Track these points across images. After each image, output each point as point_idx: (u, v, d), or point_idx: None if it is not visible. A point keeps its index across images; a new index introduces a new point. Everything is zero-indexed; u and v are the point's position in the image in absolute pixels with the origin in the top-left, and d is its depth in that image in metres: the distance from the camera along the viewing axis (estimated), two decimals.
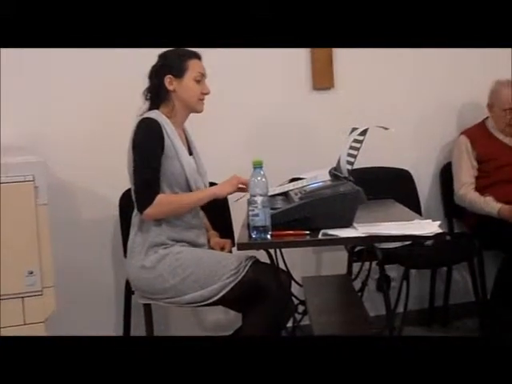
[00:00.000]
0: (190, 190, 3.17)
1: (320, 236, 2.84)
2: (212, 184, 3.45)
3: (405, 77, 4.31)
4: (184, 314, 3.97)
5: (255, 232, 2.77)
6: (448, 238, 4.24)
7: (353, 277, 3.96)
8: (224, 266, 3.06)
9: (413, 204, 4.06)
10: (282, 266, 3.42)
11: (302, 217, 2.89)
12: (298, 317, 3.65)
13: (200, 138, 3.44)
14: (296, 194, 3.08)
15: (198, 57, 3.24)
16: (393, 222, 2.95)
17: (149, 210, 3.06)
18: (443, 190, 4.41)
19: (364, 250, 3.88)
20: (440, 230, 2.85)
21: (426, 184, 4.43)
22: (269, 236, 2.77)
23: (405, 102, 4.30)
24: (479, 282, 4.20)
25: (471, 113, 4.42)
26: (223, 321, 3.83)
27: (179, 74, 3.18)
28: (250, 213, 2.78)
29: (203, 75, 3.23)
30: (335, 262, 4.16)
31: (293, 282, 3.59)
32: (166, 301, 3.15)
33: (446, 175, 4.37)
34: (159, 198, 3.07)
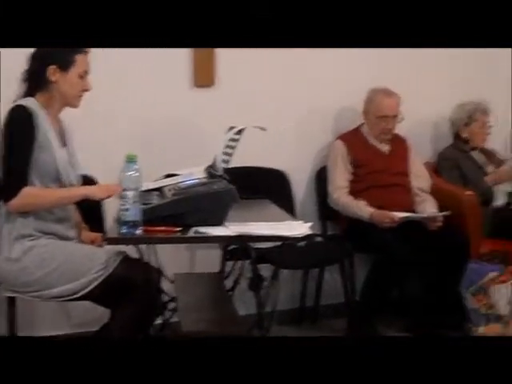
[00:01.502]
0: (61, 182, 3.10)
1: (191, 233, 2.85)
2: (86, 178, 3.40)
3: (284, 78, 4.34)
4: (50, 309, 3.89)
5: (125, 227, 2.76)
6: (320, 239, 4.32)
7: (226, 275, 3.98)
8: (92, 260, 3.01)
9: (287, 205, 4.11)
10: (154, 262, 3.39)
11: (175, 213, 2.90)
12: (168, 314, 3.63)
13: (83, 134, 3.39)
14: (170, 190, 3.09)
15: (85, 52, 3.15)
16: (264, 222, 2.98)
17: (13, 202, 2.97)
18: (318, 192, 4.48)
19: (238, 248, 3.90)
20: (310, 232, 2.90)
21: (301, 186, 4.48)
22: (139, 231, 2.76)
23: (283, 104, 4.34)
24: (349, 283, 4.29)
25: (347, 118, 4.51)
26: (90, 317, 3.75)
27: (65, 66, 3.10)
28: (121, 207, 2.76)
29: (86, 72, 3.16)
30: (209, 260, 4.16)
31: (165, 279, 3.58)
32: (32, 294, 3.07)
33: (321, 178, 4.44)
34: (26, 190, 2.98)
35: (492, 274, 4.11)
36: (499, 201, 4.65)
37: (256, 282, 3.72)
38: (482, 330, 4.05)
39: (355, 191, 4.27)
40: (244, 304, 3.97)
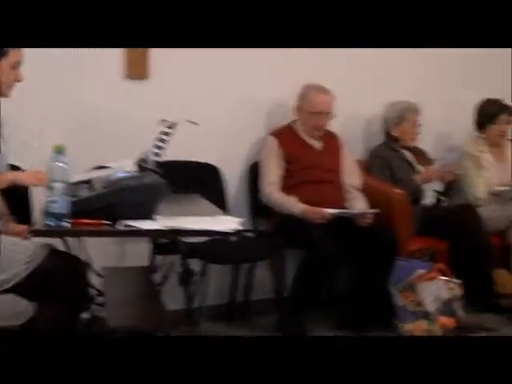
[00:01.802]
0: None
1: (121, 227, 2.82)
2: (14, 168, 3.33)
3: (217, 73, 4.32)
4: None
5: (52, 219, 2.71)
6: (251, 235, 4.31)
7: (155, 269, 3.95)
8: (18, 253, 2.94)
9: (219, 200, 4.10)
10: (82, 255, 3.35)
11: (104, 206, 2.87)
12: (96, 308, 3.58)
13: (13, 123, 3.31)
14: (99, 183, 3.04)
15: None
16: (194, 217, 2.97)
17: None
18: (250, 187, 4.47)
19: (168, 242, 3.87)
20: (240, 227, 2.89)
21: (233, 181, 4.47)
22: (66, 224, 2.71)
23: (216, 98, 4.32)
24: (279, 279, 4.29)
25: (280, 113, 4.52)
26: (15, 310, 3.68)
27: None
28: (48, 199, 2.72)
29: (19, 62, 3.10)
30: (139, 254, 4.12)
31: (93, 273, 3.53)
32: None
33: (254, 173, 4.44)
34: None
35: (420, 271, 4.18)
36: (428, 199, 4.73)
37: (185, 277, 3.71)
38: (410, 327, 4.11)
39: (287, 187, 4.28)
40: (173, 299, 3.95)
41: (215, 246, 3.73)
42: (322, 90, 4.33)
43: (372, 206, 4.29)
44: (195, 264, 3.84)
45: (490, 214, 4.59)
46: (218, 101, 4.33)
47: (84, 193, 2.99)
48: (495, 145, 4.94)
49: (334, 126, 4.47)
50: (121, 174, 3.07)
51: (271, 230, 4.38)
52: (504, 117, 4.87)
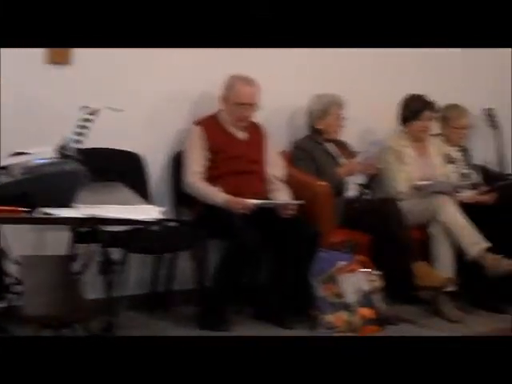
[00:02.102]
0: None
1: (39, 214, 2.77)
2: None
3: (143, 61, 4.26)
4: None
5: None
6: (173, 224, 4.28)
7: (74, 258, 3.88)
8: None
9: (142, 189, 4.06)
10: None
11: (22, 193, 2.82)
12: (13, 297, 3.52)
13: None
14: (18, 169, 2.99)
15: None
16: (116, 206, 2.94)
17: None
18: (174, 177, 4.44)
19: (89, 231, 3.81)
20: (162, 216, 2.87)
21: (157, 170, 4.43)
22: None
23: (140, 86, 4.27)
24: (201, 269, 4.28)
25: (205, 103, 4.49)
26: None
27: None
28: None
29: None
30: (60, 242, 4.05)
31: (10, 261, 3.46)
32: None
33: (177, 162, 4.41)
34: None
35: (341, 263, 4.22)
36: (351, 192, 4.78)
37: (105, 266, 3.66)
38: (330, 318, 4.14)
39: (211, 177, 4.27)
40: (93, 288, 3.89)
41: (137, 236, 3.69)
42: (248, 81, 4.33)
43: (295, 198, 4.32)
44: (116, 253, 3.79)
45: (411, 208, 4.65)
46: (142, 88, 4.28)
47: (1, 179, 2.94)
48: (418, 140, 5.01)
49: (258, 117, 4.47)
50: (40, 161, 3.03)
51: (194, 219, 4.36)
52: (427, 113, 4.93)
